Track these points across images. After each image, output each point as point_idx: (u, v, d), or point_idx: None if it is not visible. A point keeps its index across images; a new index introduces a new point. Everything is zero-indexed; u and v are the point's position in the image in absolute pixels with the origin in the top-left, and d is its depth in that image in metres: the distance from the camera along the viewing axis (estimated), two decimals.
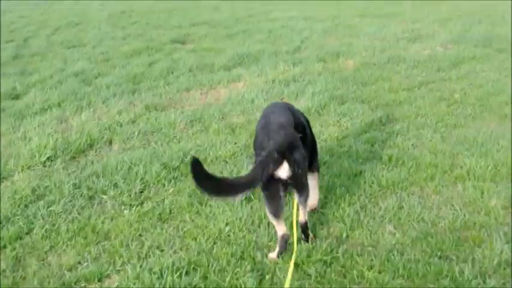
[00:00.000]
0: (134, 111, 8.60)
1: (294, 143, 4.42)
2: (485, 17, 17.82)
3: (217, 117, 8.32)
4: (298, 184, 4.47)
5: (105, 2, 27.19)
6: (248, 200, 5.63)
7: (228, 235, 5.08)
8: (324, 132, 7.49)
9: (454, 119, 7.97)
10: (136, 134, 7.67)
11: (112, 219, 5.46)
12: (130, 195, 5.89)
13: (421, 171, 6.22)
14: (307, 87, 9.64)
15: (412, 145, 7.04)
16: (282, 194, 4.44)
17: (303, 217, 4.71)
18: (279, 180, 4.32)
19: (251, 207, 5.49)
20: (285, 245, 4.65)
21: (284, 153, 4.27)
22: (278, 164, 4.25)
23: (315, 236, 4.97)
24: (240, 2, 25.07)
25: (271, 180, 4.29)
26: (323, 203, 5.60)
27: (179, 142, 7.38)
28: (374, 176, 6.11)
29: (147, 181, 6.21)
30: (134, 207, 5.63)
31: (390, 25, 16.66)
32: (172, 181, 6.23)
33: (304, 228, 4.78)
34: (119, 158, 6.77)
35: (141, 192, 6.02)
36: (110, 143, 7.53)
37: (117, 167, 6.52)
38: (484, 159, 6.39)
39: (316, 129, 7.48)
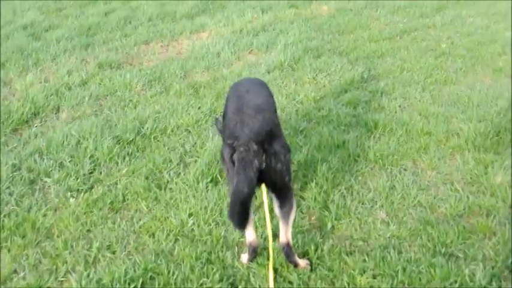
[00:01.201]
0: (86, 71, 7.64)
1: (273, 131, 3.57)
2: None
3: (179, 75, 7.44)
4: (277, 185, 3.57)
5: None
6: (215, 182, 4.81)
7: (192, 229, 4.29)
8: (300, 92, 6.68)
9: (443, 73, 7.20)
10: (87, 98, 6.75)
11: (56, 211, 4.60)
12: (77, 178, 5.01)
13: (413, 141, 5.46)
14: (279, 38, 8.75)
15: (400, 106, 6.27)
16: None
17: (284, 237, 3.69)
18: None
19: (218, 193, 4.68)
20: (254, 253, 3.78)
21: (263, 142, 3.40)
22: (260, 157, 3.37)
23: (310, 262, 3.86)
24: None
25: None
26: (302, 184, 4.81)
27: (135, 107, 6.51)
28: (359, 147, 5.35)
29: (97, 159, 5.34)
30: (82, 194, 4.78)
31: None
32: (127, 158, 5.38)
33: (288, 252, 3.70)
34: (65, 130, 5.87)
35: (91, 173, 5.15)
36: (58, 110, 6.60)
37: (63, 142, 5.63)
38: (483, 125, 5.65)
39: (290, 88, 6.80)
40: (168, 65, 7.83)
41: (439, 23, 9.56)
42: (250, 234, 3.75)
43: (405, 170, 5.00)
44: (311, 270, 3.77)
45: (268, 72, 7.39)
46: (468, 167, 4.96)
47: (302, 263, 3.76)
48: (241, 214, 3.25)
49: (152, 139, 5.71)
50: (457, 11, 10.34)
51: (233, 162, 3.37)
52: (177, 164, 5.21)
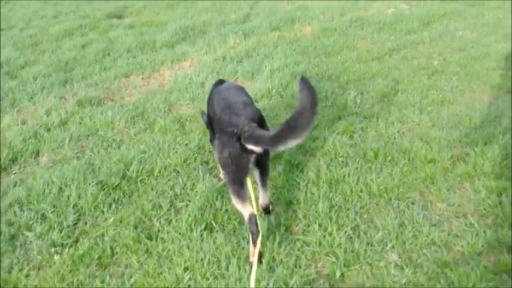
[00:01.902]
0: (65, 109, 7.26)
1: (261, 119, 4.17)
2: None
3: (163, 109, 7.09)
4: (264, 161, 4.19)
5: None
6: (209, 229, 4.44)
7: (189, 285, 3.91)
8: None
9: (439, 93, 6.91)
10: (67, 140, 6.36)
11: (39, 270, 4.22)
12: (61, 231, 4.63)
13: (418, 170, 5.14)
14: (264, 64, 8.44)
15: (399, 132, 5.96)
16: (250, 167, 4.03)
17: (263, 200, 4.41)
18: (252, 153, 3.92)
19: (214, 241, 4.30)
20: (256, 228, 4.00)
21: (258, 124, 3.96)
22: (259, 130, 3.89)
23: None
24: None
25: (242, 154, 3.91)
26: (304, 226, 4.48)
27: (119, 147, 6.14)
28: (361, 181, 4.99)
29: (81, 208, 4.97)
30: (67, 249, 4.39)
31: None
32: (113, 205, 4.99)
33: (266, 210, 4.49)
34: (46, 176, 5.47)
35: (75, 224, 4.77)
36: (37, 154, 6.20)
37: (44, 191, 5.23)
38: (489, 149, 5.29)
39: (281, 117, 6.47)
40: (150, 98, 7.48)
41: (428, 38, 9.29)
42: (248, 208, 4.06)
43: (413, 203, 4.67)
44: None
45: (257, 101, 7.04)
46: (480, 197, 4.64)
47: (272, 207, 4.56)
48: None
49: (139, 182, 5.34)
50: (444, 24, 10.10)
51: (240, 145, 3.84)
52: (168, 210, 4.85)
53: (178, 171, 5.51)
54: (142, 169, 5.52)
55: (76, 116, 7.07)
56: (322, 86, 7.32)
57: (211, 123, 4.66)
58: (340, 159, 5.44)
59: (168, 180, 5.36)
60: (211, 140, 5.08)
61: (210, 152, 5.85)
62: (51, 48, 10.54)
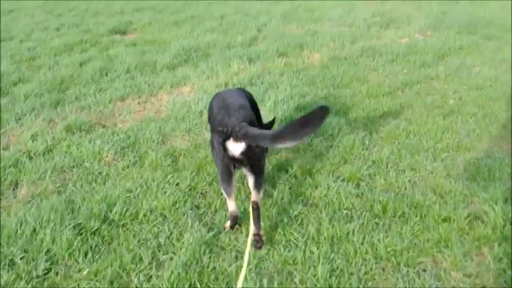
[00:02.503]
0: (52, 135, 6.77)
1: (254, 122, 4.41)
2: None
3: (156, 140, 6.58)
4: (254, 166, 4.34)
5: None
6: None
7: None
8: (293, 162, 5.82)
9: (455, 137, 6.36)
10: (50, 171, 5.86)
11: None
12: (29, 282, 4.11)
13: (430, 229, 4.60)
14: (268, 94, 7.93)
15: (410, 181, 5.40)
16: (232, 171, 4.38)
17: (256, 197, 4.43)
18: (232, 158, 4.25)
19: None
20: (235, 220, 4.70)
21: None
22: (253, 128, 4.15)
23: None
24: None
25: (224, 155, 4.26)
26: None
27: (104, 183, 5.63)
28: (366, 240, 4.45)
29: (54, 254, 4.45)
30: None
31: (357, 7, 15.02)
32: (89, 254, 4.47)
33: (256, 211, 4.39)
34: (21, 214, 4.96)
35: (46, 273, 4.24)
36: (16, 185, 5.69)
37: (17, 231, 4.72)
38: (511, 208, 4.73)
39: (282, 156, 6.02)
40: (144, 127, 6.99)
41: (443, 73, 8.76)
42: (232, 205, 4.64)
43: (424, 271, 4.13)
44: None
45: None
46: (500, 267, 4.08)
47: (261, 232, 4.40)
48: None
49: (121, 227, 4.82)
50: (460, 59, 9.56)
51: (224, 148, 4.19)
52: (149, 264, 4.32)
53: (165, 216, 4.99)
54: (126, 211, 5.02)
55: (63, 143, 6.57)
56: (329, 122, 6.79)
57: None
58: (345, 211, 4.89)
59: (153, 226, 4.84)
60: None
61: (202, 194, 5.34)
62: (48, 64, 10.11)
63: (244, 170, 4.39)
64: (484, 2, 14.87)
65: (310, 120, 3.78)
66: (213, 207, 5.11)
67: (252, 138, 4.04)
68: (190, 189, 5.38)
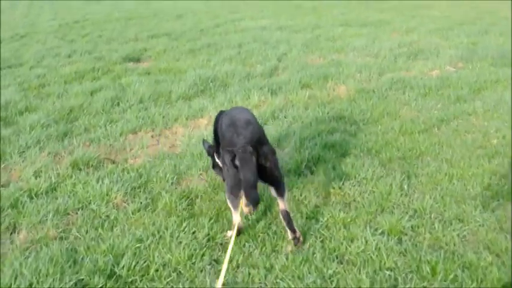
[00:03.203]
0: (57, 172, 6.21)
1: (262, 138, 4.52)
2: (490, 26, 15.67)
3: (170, 180, 5.99)
4: (270, 178, 4.50)
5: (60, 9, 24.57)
6: None
7: None
8: (323, 210, 5.21)
9: (504, 183, 5.68)
10: (52, 214, 5.29)
11: None
12: None
13: None
14: (292, 128, 7.32)
15: (458, 236, 4.76)
16: None
17: (282, 206, 4.62)
18: None
19: None
20: (239, 231, 4.75)
21: (255, 146, 4.27)
22: (255, 155, 4.23)
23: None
24: (205, 10, 22.62)
25: (236, 173, 4.26)
26: None
27: (112, 229, 5.06)
28: None
29: None
30: None
31: (381, 37, 14.46)
32: None
33: (287, 218, 4.64)
34: (16, 265, 4.39)
35: None
36: (14, 229, 5.12)
37: (11, 286, 4.15)
38: None
39: (311, 202, 5.44)
40: (157, 164, 6.40)
41: (481, 109, 8.07)
42: (237, 217, 4.64)
43: None
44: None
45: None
46: None
47: (297, 233, 4.65)
48: (253, 195, 4.11)
49: (129, 285, 4.20)
50: (498, 93, 8.88)
51: (234, 166, 4.20)
52: None
53: (180, 272, 4.39)
54: (135, 265, 4.43)
55: (68, 181, 6.01)
56: (361, 163, 6.14)
57: (218, 142, 5.03)
58: (387, 272, 4.22)
59: (166, 284, 4.21)
60: (213, 167, 5.54)
61: (221, 245, 4.71)
62: (57, 92, 9.63)
63: (267, 183, 4.59)
64: None
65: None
66: (235, 262, 4.46)
67: (240, 169, 4.19)
68: (208, 240, 4.78)
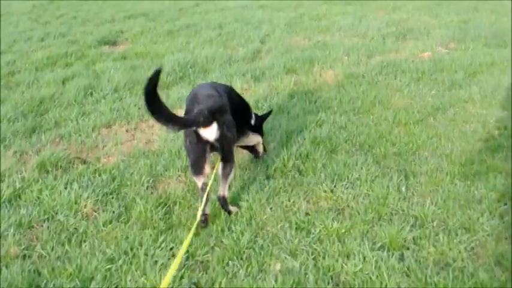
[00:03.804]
0: (21, 175, 5.65)
1: (223, 107, 4.49)
2: (479, 2, 15.08)
3: (146, 183, 5.46)
4: (225, 150, 4.51)
5: None
6: None
7: None
8: (315, 219, 4.69)
9: (509, 183, 5.17)
10: (14, 226, 4.72)
11: None
12: None
13: None
14: (278, 120, 6.86)
15: (466, 249, 4.28)
16: (207, 156, 4.45)
17: (222, 191, 4.67)
18: (206, 142, 4.36)
19: None
20: (207, 196, 4.50)
21: (214, 114, 4.30)
22: (207, 122, 4.28)
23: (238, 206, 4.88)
24: None
25: (198, 141, 4.36)
26: None
27: (80, 245, 4.53)
28: None
29: None
30: None
31: (368, 15, 13.92)
32: None
33: (223, 203, 4.71)
34: None
35: None
36: None
37: None
38: None
39: (300, 209, 4.95)
40: (132, 163, 5.89)
41: (478, 95, 7.56)
42: (201, 179, 4.61)
43: None
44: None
45: (268, 179, 5.42)
46: None
47: (233, 209, 4.80)
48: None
49: None
50: (495, 77, 8.36)
51: (196, 134, 4.36)
52: None
53: None
54: None
55: (34, 186, 5.49)
56: (354, 160, 5.65)
57: None
58: None
59: None
60: None
61: (202, 264, 4.23)
62: (27, 81, 9.05)
63: (219, 159, 4.65)
64: (506, 10, 13.68)
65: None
66: (217, 284, 3.96)
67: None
68: (187, 257, 4.24)
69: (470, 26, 12.07)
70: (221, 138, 4.39)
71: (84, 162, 6.10)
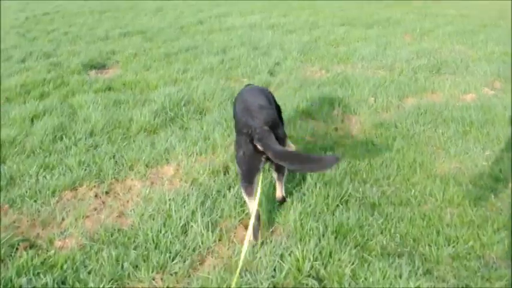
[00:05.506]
0: None
1: (276, 120, 4.59)
2: None
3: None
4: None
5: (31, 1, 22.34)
6: None
7: None
8: None
9: None
10: None
11: None
12: None
13: None
14: (291, 200, 5.10)
15: None
16: (260, 167, 4.40)
17: (280, 193, 4.95)
18: (263, 153, 4.25)
19: None
20: (258, 222, 4.42)
21: (271, 127, 4.32)
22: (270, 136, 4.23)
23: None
24: (188, 2, 20.41)
25: (253, 153, 4.28)
26: None
27: None
28: None
29: None
30: None
31: (393, 42, 12.27)
32: None
33: (282, 201, 4.99)
34: None
35: None
36: None
37: None
38: None
39: None
40: (92, 256, 4.34)
41: None
42: (253, 205, 4.43)
43: None
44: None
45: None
46: None
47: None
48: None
49: None
50: None
51: (253, 146, 4.23)
52: None
53: None
54: None
55: None
56: (396, 265, 4.00)
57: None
58: None
59: None
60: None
61: None
62: None
63: (272, 168, 4.74)
64: None
65: (319, 162, 4.13)
66: None
67: (262, 145, 4.15)
68: None
69: None
70: None
71: (31, 247, 4.53)
